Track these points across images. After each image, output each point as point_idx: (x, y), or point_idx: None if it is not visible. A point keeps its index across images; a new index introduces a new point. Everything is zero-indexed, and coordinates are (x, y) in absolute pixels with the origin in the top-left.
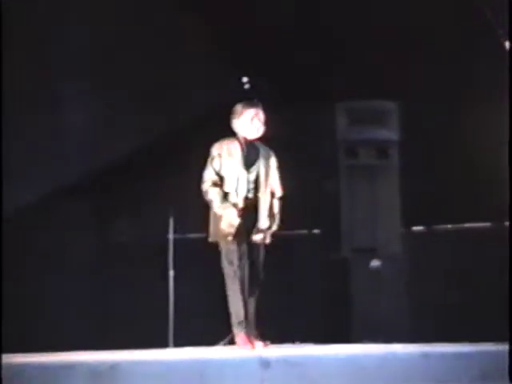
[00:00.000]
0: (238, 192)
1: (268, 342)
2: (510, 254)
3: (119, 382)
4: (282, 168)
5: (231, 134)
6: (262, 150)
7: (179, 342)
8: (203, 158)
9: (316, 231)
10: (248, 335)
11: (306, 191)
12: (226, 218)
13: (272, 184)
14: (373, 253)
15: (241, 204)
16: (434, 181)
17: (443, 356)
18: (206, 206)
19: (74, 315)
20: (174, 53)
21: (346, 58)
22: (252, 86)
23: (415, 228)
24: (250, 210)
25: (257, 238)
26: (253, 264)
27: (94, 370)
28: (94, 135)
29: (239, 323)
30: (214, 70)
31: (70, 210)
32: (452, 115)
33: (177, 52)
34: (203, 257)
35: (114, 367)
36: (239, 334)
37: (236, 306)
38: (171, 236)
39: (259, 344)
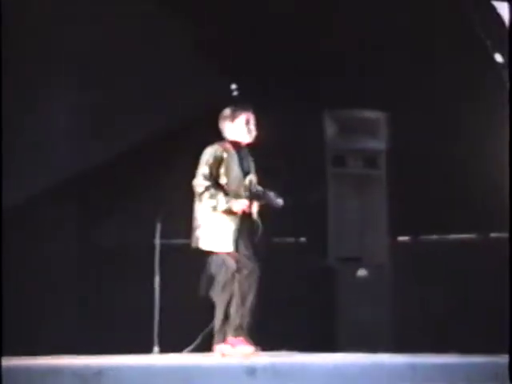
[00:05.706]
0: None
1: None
2: (510, 262)
3: None
4: (270, 176)
5: (218, 136)
6: (249, 154)
7: (164, 348)
8: (191, 161)
9: (302, 239)
10: (219, 343)
11: (293, 199)
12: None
13: None
14: (359, 262)
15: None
16: (421, 191)
17: (430, 367)
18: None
19: (59, 319)
20: (162, 55)
21: (336, 67)
22: (240, 93)
23: (402, 238)
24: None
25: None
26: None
27: (80, 375)
28: (80, 136)
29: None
30: (200, 74)
31: (54, 211)
32: (440, 125)
33: (165, 54)
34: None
35: (99, 372)
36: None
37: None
38: (158, 241)
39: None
